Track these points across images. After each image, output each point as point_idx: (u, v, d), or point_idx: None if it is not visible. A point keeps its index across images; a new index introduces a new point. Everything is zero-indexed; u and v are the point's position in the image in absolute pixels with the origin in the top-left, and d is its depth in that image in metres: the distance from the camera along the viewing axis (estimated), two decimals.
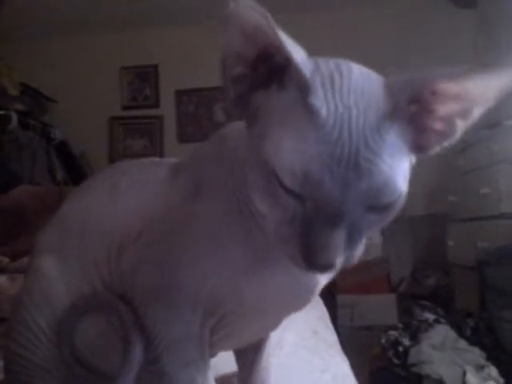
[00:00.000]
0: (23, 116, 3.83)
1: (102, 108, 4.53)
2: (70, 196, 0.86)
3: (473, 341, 2.38)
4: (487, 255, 2.61)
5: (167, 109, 4.54)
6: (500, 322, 2.29)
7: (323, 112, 0.51)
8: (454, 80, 0.54)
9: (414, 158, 0.58)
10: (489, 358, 2.26)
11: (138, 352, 0.71)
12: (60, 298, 0.76)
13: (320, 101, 0.52)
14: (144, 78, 4.60)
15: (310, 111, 0.51)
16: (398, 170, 0.53)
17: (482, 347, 2.30)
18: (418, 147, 0.57)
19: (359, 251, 0.56)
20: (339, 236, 0.51)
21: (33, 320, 0.76)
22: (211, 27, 4.31)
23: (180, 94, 4.50)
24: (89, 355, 0.77)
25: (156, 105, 4.59)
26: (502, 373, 2.20)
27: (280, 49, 0.52)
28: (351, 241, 0.53)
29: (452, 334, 2.37)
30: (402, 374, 2.28)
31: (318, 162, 0.50)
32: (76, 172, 4.06)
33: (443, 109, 0.57)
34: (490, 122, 2.88)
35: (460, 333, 2.41)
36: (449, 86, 0.54)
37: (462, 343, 2.32)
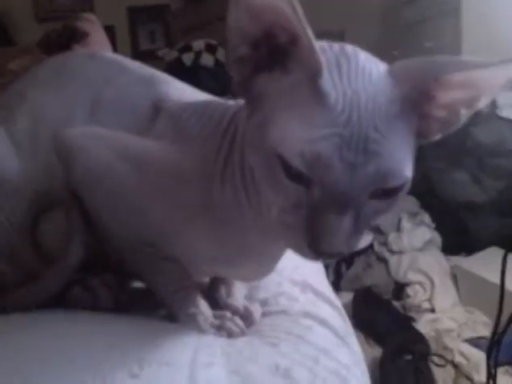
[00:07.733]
0: None
1: None
2: (48, 79, 0.79)
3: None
4: None
5: None
6: (435, 171, 2.40)
7: (332, 95, 0.50)
8: (461, 71, 0.52)
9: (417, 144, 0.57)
10: (422, 206, 2.41)
11: (75, 254, 0.71)
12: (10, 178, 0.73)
13: (329, 84, 0.51)
14: None
15: (320, 94, 0.50)
16: (406, 154, 0.52)
17: (417, 196, 2.44)
18: (420, 134, 0.56)
19: (365, 240, 0.54)
20: (347, 222, 0.51)
21: None
22: None
23: None
24: (50, 251, 0.76)
25: None
26: (434, 218, 2.37)
27: (291, 28, 0.50)
28: (357, 228, 0.52)
29: None
30: None
31: (328, 144, 0.49)
32: None
33: (446, 97, 0.55)
34: None
35: None
36: (453, 76, 0.53)
37: None
